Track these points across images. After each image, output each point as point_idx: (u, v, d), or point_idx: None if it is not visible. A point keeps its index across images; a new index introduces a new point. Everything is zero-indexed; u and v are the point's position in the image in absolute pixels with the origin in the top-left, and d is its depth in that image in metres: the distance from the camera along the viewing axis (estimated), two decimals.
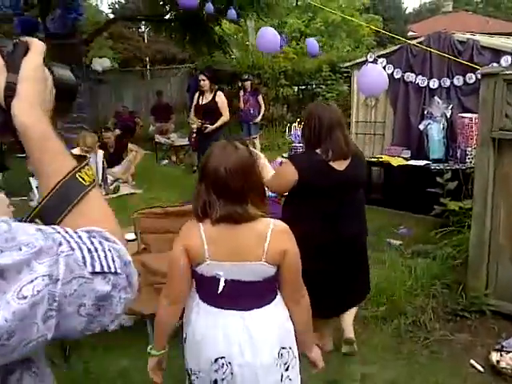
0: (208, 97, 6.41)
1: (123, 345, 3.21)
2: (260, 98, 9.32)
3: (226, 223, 1.62)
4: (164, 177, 8.15)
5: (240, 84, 10.00)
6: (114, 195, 7.06)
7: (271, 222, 1.68)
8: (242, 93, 9.43)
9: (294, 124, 7.68)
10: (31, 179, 5.25)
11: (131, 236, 3.19)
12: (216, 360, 1.66)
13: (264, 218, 1.68)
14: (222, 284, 1.64)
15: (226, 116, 6.44)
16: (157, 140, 9.82)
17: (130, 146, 7.86)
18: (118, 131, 11.15)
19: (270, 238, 1.63)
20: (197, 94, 6.60)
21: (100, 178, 5.48)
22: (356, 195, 2.69)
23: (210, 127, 6.25)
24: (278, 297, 1.78)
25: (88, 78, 13.30)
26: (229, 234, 1.64)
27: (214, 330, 1.68)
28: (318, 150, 2.52)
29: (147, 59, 16.96)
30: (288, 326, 1.78)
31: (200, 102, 6.44)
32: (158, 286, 3.01)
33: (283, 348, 1.73)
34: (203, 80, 6.38)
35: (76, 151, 5.41)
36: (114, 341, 3.25)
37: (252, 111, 9.19)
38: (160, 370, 1.82)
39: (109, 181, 7.34)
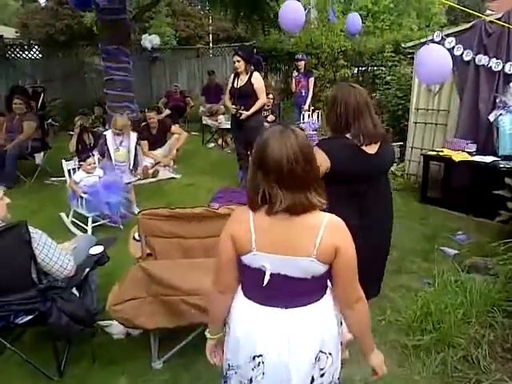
0: (243, 79, 5.95)
1: (123, 358, 2.89)
2: (311, 80, 8.70)
3: (282, 213, 1.53)
4: (207, 161, 7.82)
5: (294, 64, 9.41)
6: (153, 180, 6.82)
7: (326, 216, 1.58)
8: (295, 73, 8.85)
9: (307, 112, 7.17)
10: (63, 162, 5.03)
11: None
12: (254, 358, 1.65)
13: (320, 211, 1.59)
14: (267, 277, 1.58)
15: (262, 99, 5.95)
16: (204, 122, 9.49)
17: (173, 128, 7.56)
18: (167, 111, 11.04)
19: (322, 233, 1.54)
20: (232, 76, 6.15)
21: (131, 162, 5.17)
22: (384, 180, 2.61)
23: (246, 113, 5.78)
24: (327, 296, 1.69)
25: (140, 56, 13.22)
26: (281, 226, 1.56)
27: (254, 326, 1.64)
28: (347, 135, 2.39)
29: (209, 37, 16.63)
30: (334, 330, 1.68)
31: (235, 85, 5.98)
32: (165, 298, 2.64)
33: (322, 352, 1.64)
34: (237, 61, 5.90)
35: (109, 133, 5.14)
36: (114, 352, 2.95)
37: (303, 93, 8.63)
38: (219, 352, 1.85)
39: (149, 164, 7.10)
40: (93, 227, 4.81)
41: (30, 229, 2.52)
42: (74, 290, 2.82)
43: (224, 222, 1.68)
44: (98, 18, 8.32)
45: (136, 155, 5.23)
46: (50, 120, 10.62)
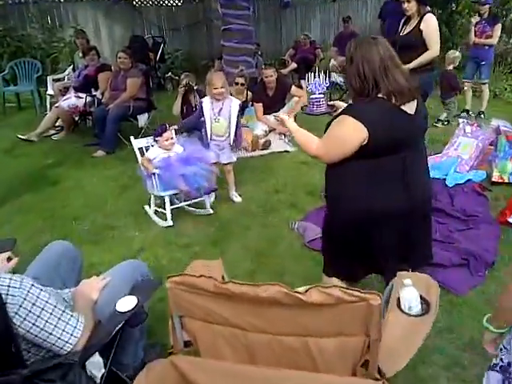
0: (413, 24, 4.46)
1: None
2: (497, 28, 6.68)
3: None
4: None
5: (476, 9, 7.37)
6: (264, 152, 5.73)
7: None
8: (476, 18, 6.89)
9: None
10: (132, 140, 4.16)
11: None
12: None
13: None
14: None
15: (433, 51, 4.42)
16: (333, 79, 8.07)
17: (293, 89, 6.31)
18: (293, 65, 9.76)
19: None
20: (402, 22, 4.67)
21: (232, 132, 4.08)
22: (422, 143, 2.30)
23: (406, 67, 4.32)
24: None
25: (269, 2, 11.94)
26: None
27: None
28: (380, 95, 2.04)
29: None
30: None
31: (402, 32, 4.52)
32: None
33: None
34: (407, 1, 4.41)
35: (206, 101, 4.09)
36: None
37: (486, 46, 6.74)
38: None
39: (261, 133, 6.02)
40: (173, 213, 3.94)
41: (11, 283, 1.58)
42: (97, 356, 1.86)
43: (316, 314, 1.24)
44: None
45: (238, 127, 4.13)
46: (169, 73, 10.08)
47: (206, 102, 4.10)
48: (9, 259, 2.15)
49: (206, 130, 4.04)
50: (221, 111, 4.07)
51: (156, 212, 4.10)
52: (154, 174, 3.76)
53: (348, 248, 2.25)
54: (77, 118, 6.67)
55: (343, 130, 2.06)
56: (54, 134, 6.58)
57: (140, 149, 4.09)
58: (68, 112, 6.37)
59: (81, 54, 6.97)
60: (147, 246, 3.62)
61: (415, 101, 2.11)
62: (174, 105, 5.62)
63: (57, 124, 6.62)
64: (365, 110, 2.03)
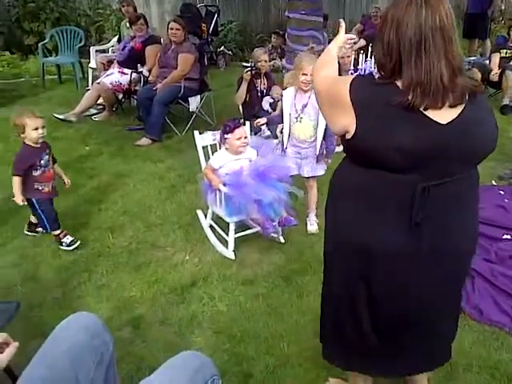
0: None
1: None
2: None
3: None
4: None
5: None
6: None
7: None
8: None
9: None
10: (196, 135, 3.23)
11: None
12: None
13: None
14: None
15: None
16: None
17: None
18: (362, 42, 8.64)
19: None
20: None
21: (320, 136, 3.08)
22: (466, 175, 1.46)
23: None
24: None
25: None
26: None
27: None
28: (398, 82, 1.38)
29: None
30: None
31: None
32: None
33: None
34: None
35: (289, 92, 3.14)
36: None
37: None
38: None
39: None
40: (236, 240, 3.06)
41: None
42: None
43: None
44: None
45: (326, 128, 3.12)
46: (222, 47, 9.15)
47: (289, 93, 3.16)
48: (3, 346, 1.38)
49: (283, 132, 3.11)
50: (305, 107, 3.08)
51: (212, 228, 3.26)
52: (219, 190, 2.90)
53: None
54: (120, 97, 5.90)
55: (339, 93, 1.46)
56: (94, 114, 5.84)
57: (204, 147, 3.23)
58: (110, 90, 5.58)
59: (127, 24, 6.14)
60: (200, 280, 2.80)
61: (460, 107, 1.37)
62: (237, 94, 4.74)
63: (98, 102, 5.86)
64: (366, 92, 1.42)
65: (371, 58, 5.62)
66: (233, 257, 2.98)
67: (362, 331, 1.60)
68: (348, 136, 1.43)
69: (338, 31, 1.82)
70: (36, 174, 2.96)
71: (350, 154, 1.55)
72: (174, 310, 2.57)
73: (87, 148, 4.84)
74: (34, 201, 3.00)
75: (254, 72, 4.62)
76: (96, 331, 1.52)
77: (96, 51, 6.81)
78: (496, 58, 6.26)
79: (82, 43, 7.20)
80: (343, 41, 1.79)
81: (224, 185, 2.83)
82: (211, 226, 3.25)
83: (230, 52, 9.12)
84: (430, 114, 1.36)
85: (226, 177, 2.86)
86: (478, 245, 3.03)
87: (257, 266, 2.95)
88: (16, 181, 2.90)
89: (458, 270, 1.60)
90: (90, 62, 6.81)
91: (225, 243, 3.08)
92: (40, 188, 2.99)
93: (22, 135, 2.92)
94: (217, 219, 3.23)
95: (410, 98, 1.33)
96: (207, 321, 2.48)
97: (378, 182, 1.46)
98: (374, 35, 8.27)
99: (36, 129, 2.89)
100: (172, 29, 5.12)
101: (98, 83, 5.60)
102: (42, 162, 2.98)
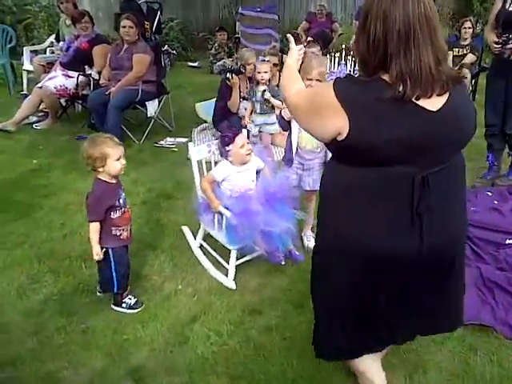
0: None
1: None
2: None
3: None
4: None
5: None
6: None
7: None
8: None
9: None
10: (190, 147, 2.81)
11: None
12: None
13: None
14: None
15: None
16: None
17: None
18: (309, 39, 8.57)
19: None
20: None
21: (324, 151, 2.81)
22: (456, 160, 1.54)
23: None
24: None
25: None
26: None
27: None
28: (384, 77, 1.40)
29: None
30: None
31: (507, 6, 3.46)
32: None
33: None
34: None
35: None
36: None
37: None
38: None
39: None
40: (237, 266, 2.74)
41: None
42: None
43: None
44: None
45: None
46: (166, 47, 8.67)
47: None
48: None
49: (290, 142, 2.81)
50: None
51: (202, 248, 2.92)
52: (220, 213, 2.56)
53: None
54: (64, 103, 5.34)
55: (324, 99, 1.45)
56: (35, 122, 5.24)
57: (199, 162, 2.85)
58: (55, 94, 5.02)
59: (68, 22, 5.57)
60: (200, 313, 2.45)
61: (444, 94, 1.43)
62: (231, 100, 4.53)
63: (39, 108, 5.27)
64: (353, 92, 1.42)
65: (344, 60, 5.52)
66: (234, 287, 2.65)
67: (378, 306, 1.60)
68: (340, 138, 1.42)
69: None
70: (115, 216, 2.35)
71: (341, 156, 1.53)
72: (178, 354, 2.22)
73: (35, 162, 4.28)
74: (111, 251, 2.37)
75: (238, 75, 4.35)
76: None
77: (31, 52, 6.15)
78: (449, 56, 6.36)
79: (13, 43, 6.48)
80: (298, 53, 1.89)
81: (226, 208, 2.51)
82: (201, 247, 2.91)
83: (174, 52, 8.68)
84: (422, 103, 1.39)
85: (230, 200, 2.53)
86: (486, 252, 3.02)
87: (260, 292, 2.64)
88: (95, 228, 2.30)
89: (458, 261, 1.65)
90: (23, 64, 6.14)
91: (221, 268, 2.75)
92: (118, 234, 2.38)
93: (100, 169, 2.31)
94: (206, 236, 2.90)
95: (401, 89, 1.36)
96: (221, 364, 2.15)
97: (375, 178, 1.45)
98: (322, 33, 8.21)
99: (118, 159, 2.33)
100: (124, 27, 4.68)
101: (40, 87, 5.01)
102: (121, 200, 2.39)
